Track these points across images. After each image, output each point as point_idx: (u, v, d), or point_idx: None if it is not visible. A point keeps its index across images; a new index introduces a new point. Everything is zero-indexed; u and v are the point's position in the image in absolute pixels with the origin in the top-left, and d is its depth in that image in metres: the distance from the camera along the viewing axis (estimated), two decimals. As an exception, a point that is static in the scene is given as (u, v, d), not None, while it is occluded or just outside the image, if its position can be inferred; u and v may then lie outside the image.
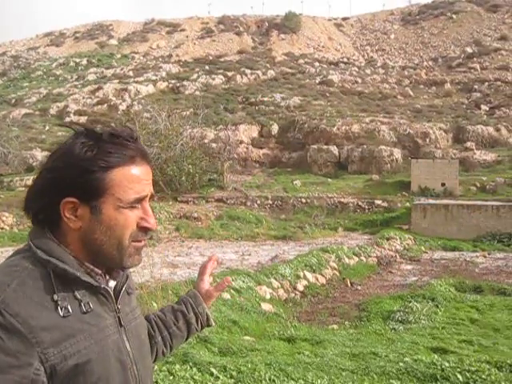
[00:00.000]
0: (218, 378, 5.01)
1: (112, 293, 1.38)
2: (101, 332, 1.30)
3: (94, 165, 1.29)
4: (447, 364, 5.70)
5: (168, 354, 1.80)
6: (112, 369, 1.30)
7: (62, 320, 1.23)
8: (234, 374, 5.13)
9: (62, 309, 1.23)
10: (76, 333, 1.24)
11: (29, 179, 29.51)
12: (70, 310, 1.25)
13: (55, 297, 1.24)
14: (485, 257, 17.16)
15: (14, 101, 49.51)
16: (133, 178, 1.32)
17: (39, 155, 33.57)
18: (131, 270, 1.50)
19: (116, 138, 1.33)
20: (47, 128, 40.46)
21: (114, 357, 1.31)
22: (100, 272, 1.37)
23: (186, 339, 1.84)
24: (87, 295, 1.31)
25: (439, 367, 5.61)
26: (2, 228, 20.41)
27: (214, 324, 1.86)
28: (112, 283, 1.41)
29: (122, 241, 1.33)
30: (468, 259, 16.64)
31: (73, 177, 1.29)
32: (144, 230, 1.35)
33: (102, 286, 1.34)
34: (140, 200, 1.34)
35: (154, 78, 51.92)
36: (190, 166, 27.17)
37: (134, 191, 1.32)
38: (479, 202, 22.59)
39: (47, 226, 1.35)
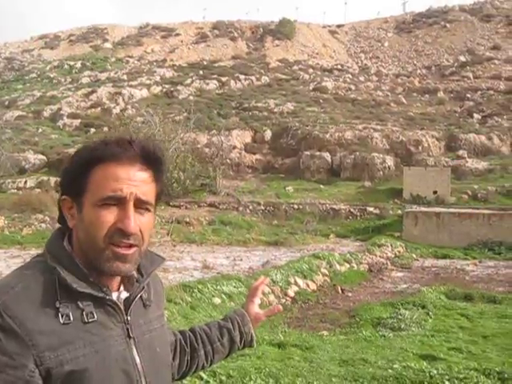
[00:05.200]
0: (208, 382, 5.02)
1: (121, 304, 1.37)
2: (103, 342, 1.29)
3: (79, 161, 1.32)
4: (436, 371, 5.72)
5: (207, 367, 1.83)
6: (115, 379, 1.29)
7: (61, 326, 1.23)
8: (224, 378, 5.14)
9: (62, 316, 1.24)
10: (75, 340, 1.24)
11: (21, 181, 29.44)
12: (71, 318, 1.25)
13: (57, 304, 1.25)
14: (475, 265, 17.23)
15: (7, 103, 49.33)
16: (110, 176, 1.29)
17: (32, 157, 33.51)
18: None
19: (116, 141, 1.34)
20: (40, 130, 40.38)
21: (119, 367, 1.30)
22: (107, 283, 1.35)
23: (227, 356, 1.85)
24: (92, 305, 1.30)
25: (428, 374, 5.64)
26: (-7, 230, 20.28)
27: (255, 345, 1.88)
28: (124, 294, 1.40)
29: (95, 241, 1.29)
30: (459, 267, 16.69)
31: (65, 174, 1.35)
32: (119, 231, 1.29)
33: (107, 297, 1.33)
34: (117, 200, 1.29)
35: (148, 82, 51.90)
36: (180, 173, 27.09)
37: (108, 189, 1.29)
38: (470, 210, 22.68)
39: (67, 228, 1.37)
